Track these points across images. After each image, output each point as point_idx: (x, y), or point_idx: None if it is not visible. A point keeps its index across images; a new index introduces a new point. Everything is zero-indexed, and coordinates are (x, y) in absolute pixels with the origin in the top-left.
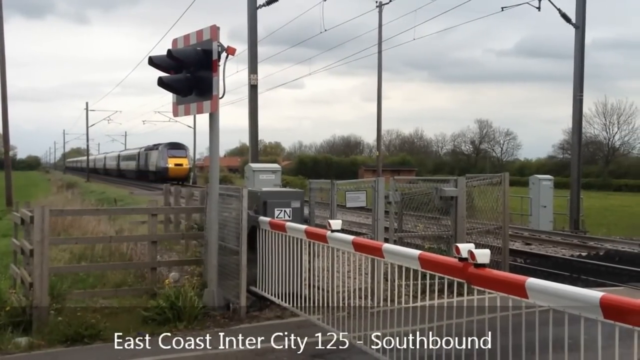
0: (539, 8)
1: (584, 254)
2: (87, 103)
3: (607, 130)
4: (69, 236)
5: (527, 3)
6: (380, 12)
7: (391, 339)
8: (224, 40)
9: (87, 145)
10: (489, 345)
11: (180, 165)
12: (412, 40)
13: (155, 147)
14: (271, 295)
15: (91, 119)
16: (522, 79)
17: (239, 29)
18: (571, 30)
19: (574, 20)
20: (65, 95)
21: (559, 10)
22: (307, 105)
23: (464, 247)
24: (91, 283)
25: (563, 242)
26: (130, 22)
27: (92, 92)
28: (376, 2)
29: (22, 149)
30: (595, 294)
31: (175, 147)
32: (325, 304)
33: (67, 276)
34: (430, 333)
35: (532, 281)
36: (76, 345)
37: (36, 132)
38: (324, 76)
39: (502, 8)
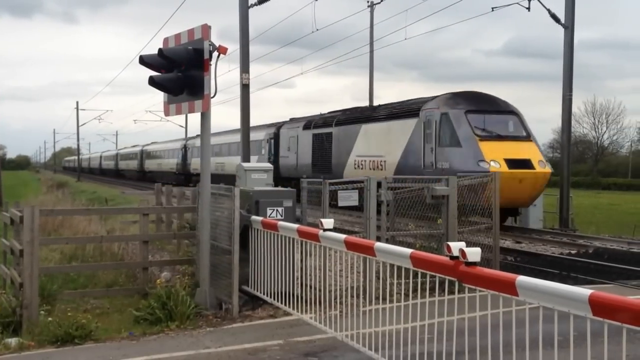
0: (528, 8)
1: (573, 252)
2: (77, 102)
3: (596, 129)
4: (59, 236)
5: (517, 3)
6: (371, 12)
7: (383, 337)
8: (213, 39)
9: (78, 145)
10: (480, 343)
11: (531, 168)
12: (403, 40)
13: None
14: (264, 294)
15: (82, 119)
16: (511, 79)
17: (228, 29)
18: (559, 31)
19: (563, 21)
20: (55, 95)
21: (548, 10)
22: (298, 105)
23: (455, 246)
24: (82, 283)
25: (553, 240)
26: (119, 22)
27: (82, 91)
28: (367, 1)
29: (11, 148)
30: (584, 291)
31: (491, 107)
32: (318, 303)
33: (57, 276)
34: (422, 331)
35: (522, 279)
36: (67, 346)
37: (26, 132)
38: (315, 76)
39: (493, 8)
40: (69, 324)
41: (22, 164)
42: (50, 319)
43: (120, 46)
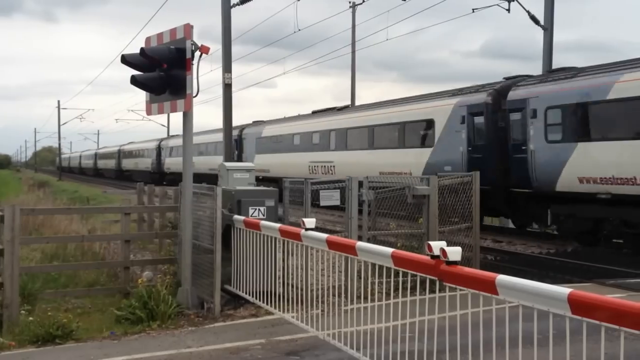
0: (508, 10)
1: (552, 251)
2: (58, 101)
3: None
4: (40, 235)
5: (497, 5)
6: (353, 13)
7: (365, 335)
8: (194, 39)
9: (59, 144)
10: (461, 341)
11: None
12: (384, 41)
13: None
14: (246, 293)
15: (63, 117)
16: (488, 80)
17: (207, 29)
18: (536, 33)
19: (542, 22)
20: (36, 93)
21: (528, 12)
22: (280, 104)
23: (436, 245)
24: (63, 283)
25: (532, 240)
26: (99, 21)
27: (63, 90)
28: (349, 2)
29: None
30: (563, 290)
31: None
32: (300, 302)
33: (38, 276)
34: (404, 330)
35: (502, 278)
36: (47, 346)
37: (6, 130)
38: (296, 76)
39: (473, 9)
40: (50, 324)
41: (3, 163)
42: (31, 318)
43: (101, 45)
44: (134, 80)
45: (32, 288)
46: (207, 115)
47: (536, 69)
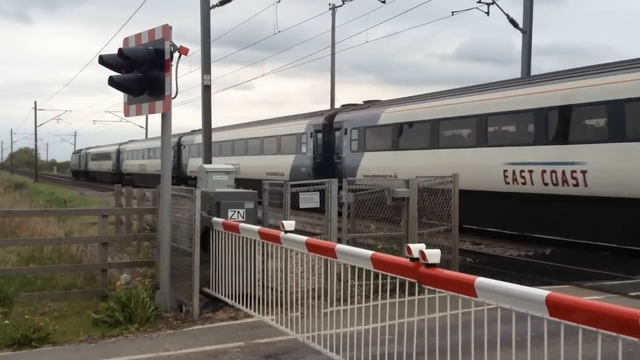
0: (487, 13)
1: (530, 253)
2: (35, 102)
3: None
4: (16, 238)
5: (476, 8)
6: (333, 15)
7: (344, 338)
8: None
9: (35, 145)
10: (440, 344)
11: None
12: (364, 44)
13: None
14: (224, 296)
15: (40, 119)
16: (465, 82)
17: (183, 31)
18: (511, 36)
19: (521, 25)
20: (12, 94)
21: (507, 15)
22: (257, 106)
23: (415, 247)
24: (40, 285)
25: (510, 242)
26: (74, 22)
27: (39, 92)
28: (329, 4)
29: None
30: (541, 292)
31: None
32: (279, 305)
33: (14, 279)
34: (383, 332)
35: (481, 280)
36: (24, 349)
37: None
38: (273, 78)
39: (453, 12)
40: (27, 327)
41: None
42: (7, 322)
43: (78, 46)
44: (112, 82)
45: (8, 291)
46: (185, 116)
47: (514, 72)
